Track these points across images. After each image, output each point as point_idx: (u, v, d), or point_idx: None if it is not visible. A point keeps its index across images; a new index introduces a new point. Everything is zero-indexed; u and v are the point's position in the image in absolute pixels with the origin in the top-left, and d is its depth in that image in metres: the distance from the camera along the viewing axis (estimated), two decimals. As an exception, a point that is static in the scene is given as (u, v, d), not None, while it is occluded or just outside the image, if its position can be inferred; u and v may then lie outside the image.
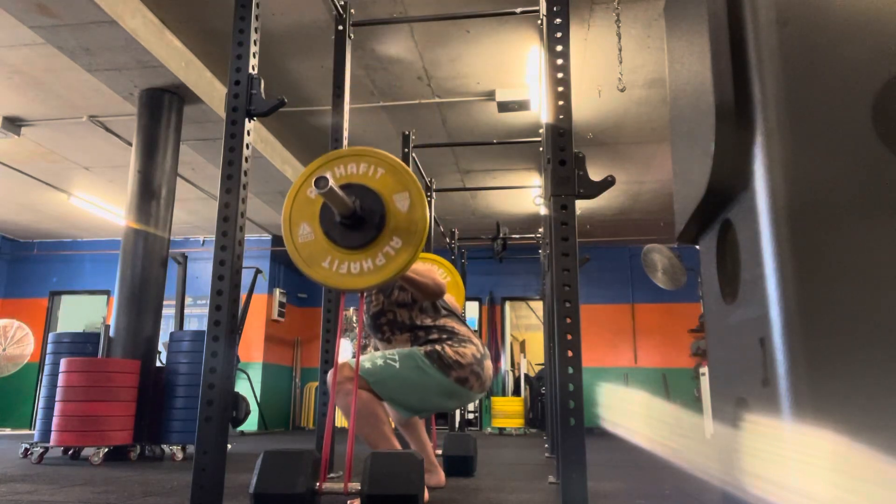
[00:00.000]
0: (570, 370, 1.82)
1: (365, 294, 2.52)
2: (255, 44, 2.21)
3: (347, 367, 2.34)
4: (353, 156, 2.04)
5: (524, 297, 10.70)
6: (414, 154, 4.64)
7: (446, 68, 5.32)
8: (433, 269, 2.43)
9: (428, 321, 2.50)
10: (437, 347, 2.40)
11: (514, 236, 7.31)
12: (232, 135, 2.11)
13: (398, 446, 2.34)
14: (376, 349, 2.69)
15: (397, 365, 2.35)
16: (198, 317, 9.37)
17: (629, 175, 7.52)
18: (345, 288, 1.96)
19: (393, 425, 2.46)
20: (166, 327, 7.03)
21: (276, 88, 5.43)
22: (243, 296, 6.87)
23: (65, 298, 10.40)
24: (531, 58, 5.08)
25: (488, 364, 2.50)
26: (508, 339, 10.80)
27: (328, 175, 1.77)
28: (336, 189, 1.80)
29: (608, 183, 1.97)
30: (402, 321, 2.51)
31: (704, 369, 7.07)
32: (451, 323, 2.53)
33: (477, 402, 10.21)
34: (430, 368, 2.36)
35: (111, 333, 4.61)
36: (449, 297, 2.79)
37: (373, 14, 4.50)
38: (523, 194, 8.06)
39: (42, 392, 4.57)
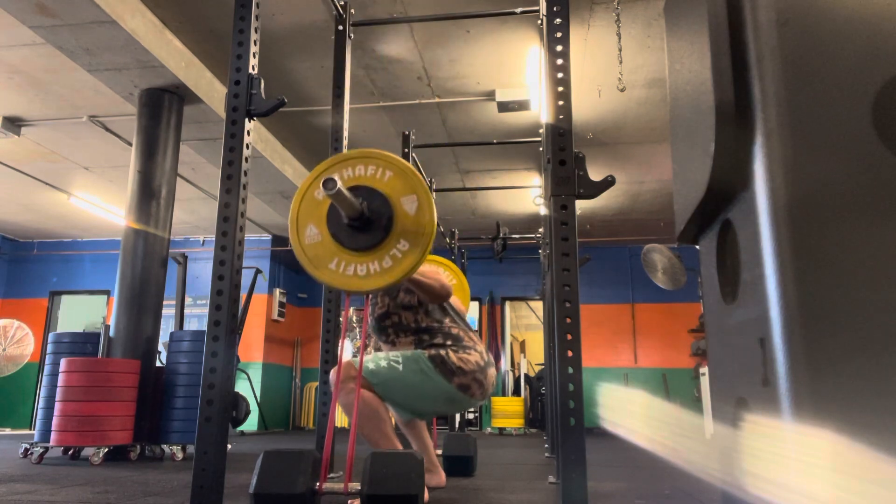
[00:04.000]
0: (570, 370, 1.82)
1: (370, 296, 2.52)
2: (255, 44, 2.21)
3: (351, 366, 2.33)
4: (362, 158, 2.02)
5: (524, 297, 10.69)
6: (414, 154, 4.64)
7: (446, 68, 5.31)
8: (439, 272, 2.42)
9: (433, 325, 2.48)
10: (441, 352, 2.38)
11: (514, 236, 7.30)
12: (232, 135, 2.11)
13: (399, 446, 2.33)
14: (377, 349, 2.68)
15: (400, 367, 2.34)
16: (198, 317, 9.37)
17: (629, 175, 7.52)
18: (351, 290, 1.94)
19: (394, 424, 2.45)
20: (166, 327, 7.04)
21: (276, 88, 5.43)
22: (243, 296, 6.87)
23: (65, 298, 10.40)
24: (531, 58, 5.08)
25: (491, 372, 2.48)
26: (508, 339, 10.80)
27: (336, 177, 1.75)
28: (344, 191, 1.78)
29: (608, 183, 1.97)
30: (408, 324, 2.48)
31: (704, 369, 7.06)
32: (455, 328, 2.50)
33: (477, 402, 10.21)
34: (432, 373, 2.35)
35: (111, 333, 4.60)
36: (455, 300, 2.75)
37: (373, 14, 4.50)
38: (523, 194, 8.06)
39: (42, 392, 4.57)
